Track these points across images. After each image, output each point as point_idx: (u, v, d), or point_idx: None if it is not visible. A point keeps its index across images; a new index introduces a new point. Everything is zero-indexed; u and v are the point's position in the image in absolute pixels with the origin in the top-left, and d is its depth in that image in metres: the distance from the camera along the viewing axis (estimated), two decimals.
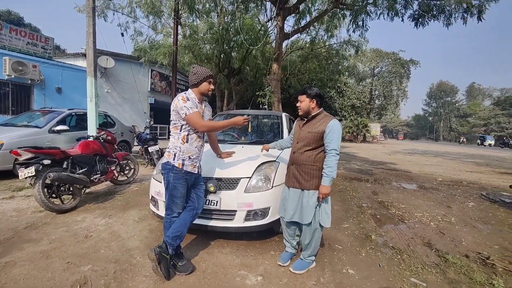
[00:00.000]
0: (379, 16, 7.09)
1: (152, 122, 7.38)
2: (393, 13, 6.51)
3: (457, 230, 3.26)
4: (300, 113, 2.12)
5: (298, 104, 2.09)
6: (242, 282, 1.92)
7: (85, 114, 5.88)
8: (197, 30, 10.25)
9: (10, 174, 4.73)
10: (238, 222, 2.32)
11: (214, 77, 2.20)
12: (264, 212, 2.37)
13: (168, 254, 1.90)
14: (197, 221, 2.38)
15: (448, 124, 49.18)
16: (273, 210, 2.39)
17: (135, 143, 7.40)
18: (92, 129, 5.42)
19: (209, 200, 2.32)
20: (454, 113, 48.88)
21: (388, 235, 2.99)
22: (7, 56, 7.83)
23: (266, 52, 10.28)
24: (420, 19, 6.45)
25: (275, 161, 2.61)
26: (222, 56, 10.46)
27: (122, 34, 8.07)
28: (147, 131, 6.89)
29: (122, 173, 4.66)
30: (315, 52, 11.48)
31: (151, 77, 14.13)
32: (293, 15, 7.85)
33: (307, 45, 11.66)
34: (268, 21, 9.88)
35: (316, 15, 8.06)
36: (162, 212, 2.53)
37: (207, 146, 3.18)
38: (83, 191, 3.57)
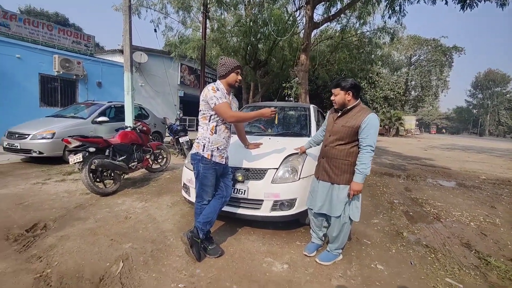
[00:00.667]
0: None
1: (182, 114, 7.70)
2: None
3: (502, 233, 2.98)
4: (335, 107, 2.05)
5: (332, 98, 2.03)
6: (268, 269, 1.98)
7: (122, 107, 6.32)
8: (225, 23, 10.34)
9: (61, 160, 5.31)
10: (264, 211, 2.38)
11: (241, 68, 2.23)
12: (290, 203, 2.39)
13: (199, 238, 2.02)
14: (226, 208, 2.49)
15: (496, 118, 44.15)
16: (300, 202, 2.40)
17: (167, 134, 7.81)
18: (129, 120, 5.82)
19: (237, 189, 2.40)
20: (504, 105, 43.59)
21: (421, 233, 2.84)
22: (56, 54, 8.65)
23: (294, 42, 10.04)
24: (467, 0, 5.78)
25: (302, 153, 2.60)
26: (249, 48, 10.46)
27: (155, 30, 8.43)
28: (178, 122, 7.22)
29: (155, 162, 4.98)
30: (346, 41, 10.94)
31: (180, 71, 14.66)
32: (323, 3, 7.52)
33: (337, 34, 11.15)
34: (297, 10, 9.60)
35: (348, 1, 7.62)
36: (193, 198, 2.67)
37: (235, 137, 3.27)
38: (122, 176, 3.89)
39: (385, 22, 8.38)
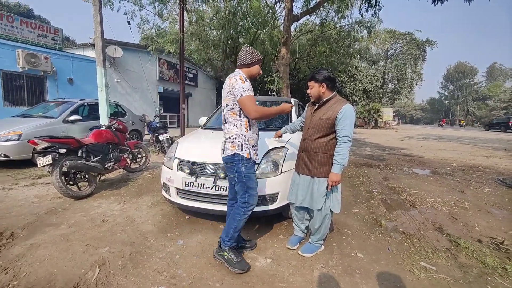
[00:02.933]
0: None
1: (161, 111, 7.45)
2: None
3: (470, 216, 3.19)
4: (312, 99, 2.06)
5: (308, 91, 2.03)
6: (251, 264, 1.97)
7: (96, 104, 6.00)
8: (203, 16, 10.04)
9: (30, 163, 4.96)
10: None
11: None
12: (272, 198, 2.39)
13: (224, 250, 1.92)
14: (207, 206, 2.46)
15: (465, 108, 47.11)
16: (282, 196, 2.41)
17: (146, 132, 7.54)
18: (104, 119, 5.54)
19: (219, 186, 2.36)
20: (472, 95, 46.59)
21: (398, 220, 2.97)
22: (20, 49, 7.99)
23: (274, 36, 10.00)
24: None
25: (283, 147, 2.60)
26: (229, 41, 10.26)
27: (129, 22, 8.03)
28: (157, 119, 6.99)
29: (134, 161, 4.80)
30: (325, 35, 11.06)
31: (159, 66, 14.15)
32: None
33: (317, 28, 11.24)
34: (276, 3, 9.53)
35: None
36: (173, 198, 2.61)
37: (210, 132, 3.20)
38: (98, 178, 3.71)
39: (362, 16, 8.56)
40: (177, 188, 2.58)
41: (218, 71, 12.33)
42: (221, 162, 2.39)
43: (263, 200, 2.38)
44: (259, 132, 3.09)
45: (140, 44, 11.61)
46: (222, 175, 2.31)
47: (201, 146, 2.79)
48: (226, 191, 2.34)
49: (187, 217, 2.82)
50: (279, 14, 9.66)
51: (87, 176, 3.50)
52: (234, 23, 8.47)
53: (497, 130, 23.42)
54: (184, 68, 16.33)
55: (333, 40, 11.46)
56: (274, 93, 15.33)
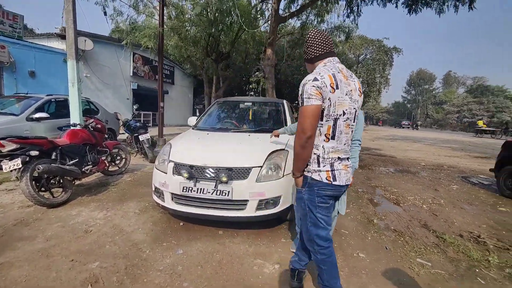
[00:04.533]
0: (373, 1, 7.05)
1: (138, 109, 7.00)
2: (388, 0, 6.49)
3: (447, 212, 3.46)
4: None
5: None
6: (260, 271, 1.92)
7: (65, 101, 5.45)
8: (184, 11, 9.66)
9: None
10: (250, 211, 2.30)
11: None
12: (275, 201, 2.36)
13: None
14: (205, 211, 2.34)
15: (425, 111, 51.54)
16: (284, 199, 2.38)
17: (121, 131, 7.04)
18: (75, 117, 5.03)
19: (220, 191, 2.25)
20: (431, 100, 51.16)
21: (388, 218, 3.11)
22: None
23: (257, 36, 9.98)
24: (413, 6, 6.49)
25: (284, 149, 2.57)
26: (210, 39, 10.00)
27: (105, 13, 7.41)
28: (134, 118, 6.56)
29: (113, 163, 4.44)
30: (306, 38, 11.32)
31: (133, 61, 13.32)
32: None
33: (297, 30, 11.44)
34: (261, 2, 9.47)
35: None
36: (168, 204, 2.45)
37: (210, 133, 3.07)
38: (73, 183, 3.35)
39: (344, 21, 8.85)
40: (172, 194, 2.42)
41: (198, 69, 11.95)
42: (223, 165, 2.32)
43: (266, 204, 2.33)
44: (255, 134, 3.06)
45: (113, 37, 10.83)
46: (224, 179, 2.21)
47: (198, 148, 2.65)
48: (228, 195, 2.25)
49: (181, 224, 2.66)
50: (264, 14, 9.68)
51: (61, 181, 3.14)
52: (220, 20, 8.24)
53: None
54: (163, 65, 15.67)
55: None
56: (253, 93, 15.33)
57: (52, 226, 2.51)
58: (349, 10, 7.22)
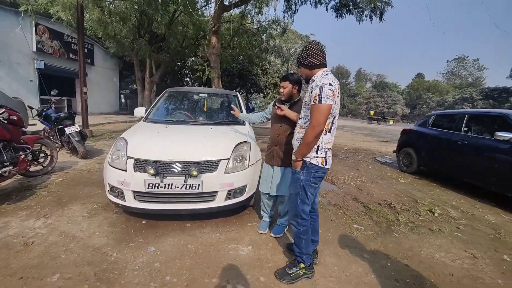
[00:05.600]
0: (306, 2, 7.74)
1: (56, 95, 5.83)
2: (320, 2, 7.27)
3: (368, 187, 4.38)
4: (283, 98, 2.29)
5: (281, 90, 2.24)
6: (236, 254, 2.10)
7: None
8: None
9: None
10: (219, 201, 2.41)
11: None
12: (242, 190, 2.53)
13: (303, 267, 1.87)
14: (177, 206, 2.34)
15: (342, 102, 60.06)
16: (249, 187, 2.58)
17: (31, 123, 5.76)
18: None
19: (190, 184, 2.27)
20: (347, 93, 59.85)
21: (328, 196, 3.73)
22: None
23: (196, 21, 9.47)
24: (339, 11, 7.49)
25: (247, 141, 2.74)
26: (142, 17, 8.95)
27: None
28: (53, 106, 5.47)
29: (35, 162, 3.69)
30: (245, 27, 11.43)
31: (36, 34, 10.67)
32: None
33: (236, 19, 11.42)
34: None
35: None
36: (130, 202, 2.31)
37: (173, 126, 2.95)
38: None
39: (283, 17, 9.29)
40: (135, 191, 2.29)
41: (126, 50, 10.54)
42: (191, 159, 2.34)
43: (234, 193, 2.48)
44: (217, 127, 3.11)
45: (4, 0, 8.38)
46: (194, 173, 2.24)
47: (160, 143, 2.54)
48: (198, 188, 2.29)
49: (143, 222, 2.55)
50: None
51: None
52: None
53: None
54: (76, 41, 13.07)
55: (252, 33, 12.01)
56: (191, 81, 14.56)
57: None
58: (287, 7, 7.74)
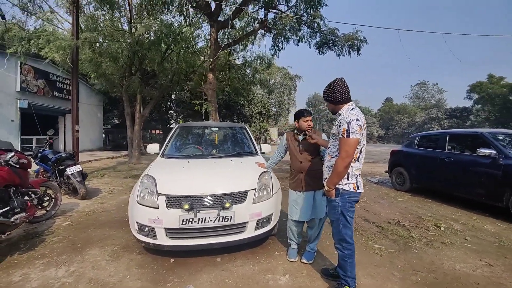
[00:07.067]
0: (290, 40, 8.61)
1: (53, 135, 5.67)
2: (303, 41, 8.14)
3: (372, 207, 4.58)
4: (309, 130, 2.47)
5: (310, 124, 2.46)
6: (276, 284, 2.11)
7: None
8: (95, 18, 8.56)
9: None
10: (250, 232, 2.45)
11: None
12: (269, 218, 2.60)
13: None
14: (209, 240, 2.34)
15: (321, 127, 62.94)
16: (274, 215, 2.66)
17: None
18: None
19: (223, 217, 2.32)
20: (325, 118, 63.12)
21: None
22: None
23: (189, 59, 9.98)
24: (321, 47, 8.39)
25: (267, 171, 2.88)
26: (134, 55, 9.27)
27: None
28: (47, 148, 5.31)
29: (39, 207, 3.50)
30: (232, 63, 12.16)
31: (21, 73, 10.53)
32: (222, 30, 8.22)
33: (223, 55, 12.17)
34: (187, 26, 9.64)
35: (245, 32, 8.82)
36: (163, 240, 2.29)
37: (200, 160, 3.01)
38: None
39: (271, 53, 10.11)
40: (167, 229, 2.29)
41: (117, 87, 10.65)
42: (221, 192, 2.41)
43: (262, 222, 2.54)
44: (236, 158, 3.23)
45: None
46: (227, 205, 2.31)
47: (188, 177, 2.60)
48: (230, 220, 2.34)
49: (171, 260, 2.49)
50: (201, 40, 9.95)
51: None
52: (148, 41, 7.81)
53: None
54: (62, 80, 13.00)
55: (237, 67, 12.76)
56: (176, 113, 14.75)
57: None
58: (275, 46, 8.58)
